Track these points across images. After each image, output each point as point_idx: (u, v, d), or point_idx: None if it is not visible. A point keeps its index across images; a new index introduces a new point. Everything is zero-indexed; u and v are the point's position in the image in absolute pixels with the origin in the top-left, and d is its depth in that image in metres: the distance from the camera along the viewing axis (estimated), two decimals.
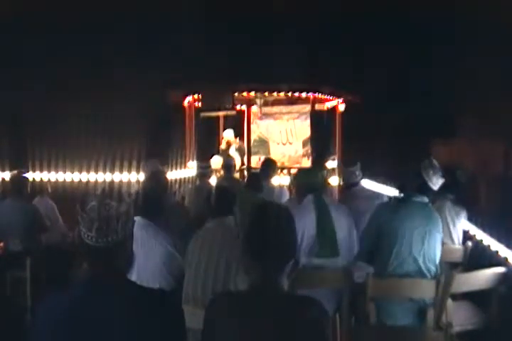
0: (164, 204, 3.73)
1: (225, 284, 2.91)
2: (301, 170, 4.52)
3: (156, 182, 4.66)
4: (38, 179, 8.32)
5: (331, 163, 8.36)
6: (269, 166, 5.95)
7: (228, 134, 8.73)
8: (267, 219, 1.90)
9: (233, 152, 8.39)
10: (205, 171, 6.26)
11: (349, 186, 5.11)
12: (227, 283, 2.91)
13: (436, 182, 3.38)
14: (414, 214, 3.33)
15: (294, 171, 6.85)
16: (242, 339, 1.79)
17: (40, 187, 6.29)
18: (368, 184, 5.79)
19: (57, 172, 8.57)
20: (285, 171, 7.88)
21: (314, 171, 4.21)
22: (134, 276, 2.90)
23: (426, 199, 3.39)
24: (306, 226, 3.51)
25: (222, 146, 8.75)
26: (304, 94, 7.98)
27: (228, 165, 6.44)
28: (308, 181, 3.85)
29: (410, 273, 3.27)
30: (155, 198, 3.62)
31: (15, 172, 5.55)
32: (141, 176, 7.84)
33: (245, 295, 1.90)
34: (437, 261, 3.34)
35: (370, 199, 4.60)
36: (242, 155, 8.30)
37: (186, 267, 3.11)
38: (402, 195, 3.48)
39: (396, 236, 3.27)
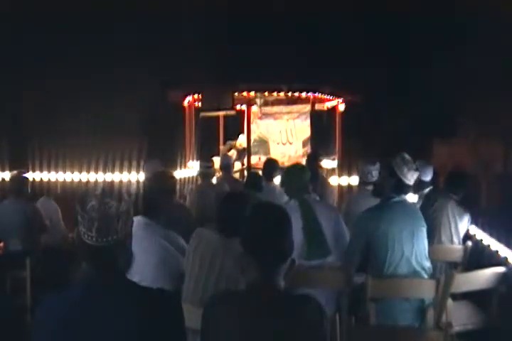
0: (164, 204, 3.71)
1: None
2: (286, 172, 4.20)
3: (161, 182, 4.64)
4: (37, 179, 8.34)
5: (331, 163, 8.37)
6: (272, 166, 5.91)
7: (242, 140, 8.60)
8: (265, 218, 1.91)
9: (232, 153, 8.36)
10: (208, 171, 6.20)
11: (362, 184, 4.95)
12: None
13: (412, 178, 3.32)
14: (398, 217, 3.29)
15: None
16: (241, 338, 1.79)
17: (48, 188, 6.30)
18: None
19: (57, 172, 8.59)
20: None
21: (298, 172, 3.93)
22: (133, 276, 2.88)
23: (404, 197, 3.37)
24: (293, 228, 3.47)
25: (227, 151, 8.66)
26: (304, 94, 7.98)
27: (226, 165, 6.41)
28: (292, 182, 3.81)
29: (405, 275, 3.25)
30: (154, 198, 3.60)
31: (15, 172, 5.54)
32: (141, 176, 7.87)
33: (243, 295, 1.90)
34: (427, 254, 3.34)
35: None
36: (242, 158, 8.29)
37: (186, 273, 2.97)
38: (381, 198, 3.45)
39: (386, 244, 3.25)
